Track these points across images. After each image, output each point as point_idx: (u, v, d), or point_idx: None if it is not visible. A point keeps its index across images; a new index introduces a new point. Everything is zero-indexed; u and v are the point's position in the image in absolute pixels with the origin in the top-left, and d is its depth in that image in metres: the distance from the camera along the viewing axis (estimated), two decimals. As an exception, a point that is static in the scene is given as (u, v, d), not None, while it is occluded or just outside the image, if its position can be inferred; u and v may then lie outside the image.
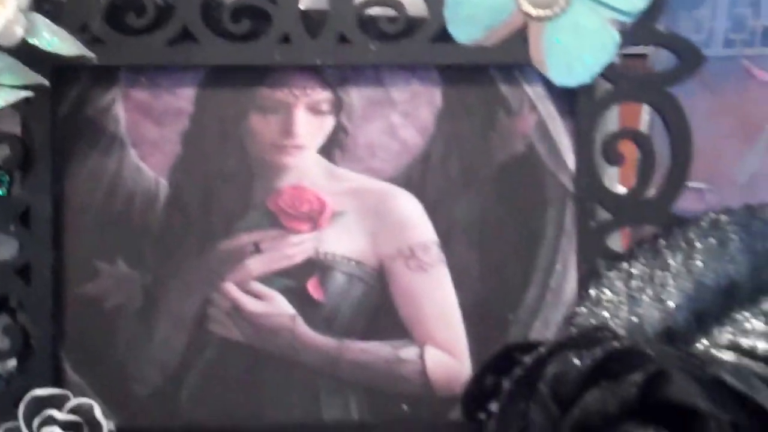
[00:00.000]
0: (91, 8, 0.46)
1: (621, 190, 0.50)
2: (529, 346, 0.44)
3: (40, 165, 0.47)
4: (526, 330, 0.48)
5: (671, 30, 0.50)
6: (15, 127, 0.48)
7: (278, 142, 0.48)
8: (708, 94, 0.59)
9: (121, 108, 0.48)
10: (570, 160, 0.48)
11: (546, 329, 0.48)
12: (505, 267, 0.48)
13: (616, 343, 0.43)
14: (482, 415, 0.45)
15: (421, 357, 0.48)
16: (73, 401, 0.45)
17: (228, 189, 0.48)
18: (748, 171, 0.59)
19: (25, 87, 0.43)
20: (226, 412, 0.48)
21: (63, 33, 0.44)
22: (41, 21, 0.44)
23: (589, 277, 0.47)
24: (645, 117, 0.56)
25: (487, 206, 0.48)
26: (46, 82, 0.44)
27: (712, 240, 0.46)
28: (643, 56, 0.55)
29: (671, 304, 0.46)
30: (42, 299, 0.47)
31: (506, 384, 0.44)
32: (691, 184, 0.50)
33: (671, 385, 0.41)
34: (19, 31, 0.43)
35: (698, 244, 0.46)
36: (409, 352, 0.48)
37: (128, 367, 0.48)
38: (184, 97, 0.48)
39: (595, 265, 0.47)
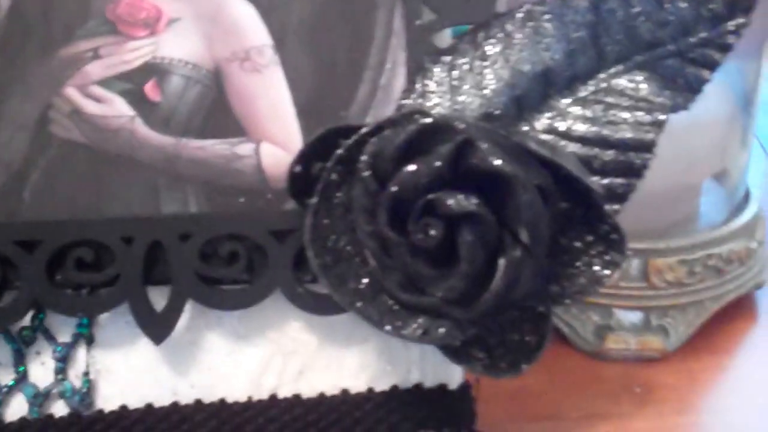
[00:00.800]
0: None
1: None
2: (352, 129, 0.47)
3: None
4: (359, 126, 0.50)
5: None
6: None
7: (114, -48, 0.50)
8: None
9: None
10: (398, -38, 0.50)
11: (377, 125, 0.50)
12: (337, 67, 0.50)
13: (427, 119, 0.45)
14: (311, 199, 0.47)
15: (257, 152, 0.50)
16: None
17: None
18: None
19: None
20: (69, 207, 0.49)
21: None
22: None
23: (415, 72, 0.49)
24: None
25: (319, 9, 0.50)
26: None
27: (528, 30, 0.48)
28: None
29: (489, 91, 0.48)
30: None
31: (328, 165, 0.46)
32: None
33: (478, 153, 0.43)
34: None
35: (515, 34, 0.48)
36: (245, 149, 0.50)
37: (-28, 168, 0.49)
38: None
39: (421, 60, 0.49)
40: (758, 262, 0.69)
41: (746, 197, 0.70)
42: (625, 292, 0.63)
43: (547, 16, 0.48)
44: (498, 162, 0.43)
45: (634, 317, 0.63)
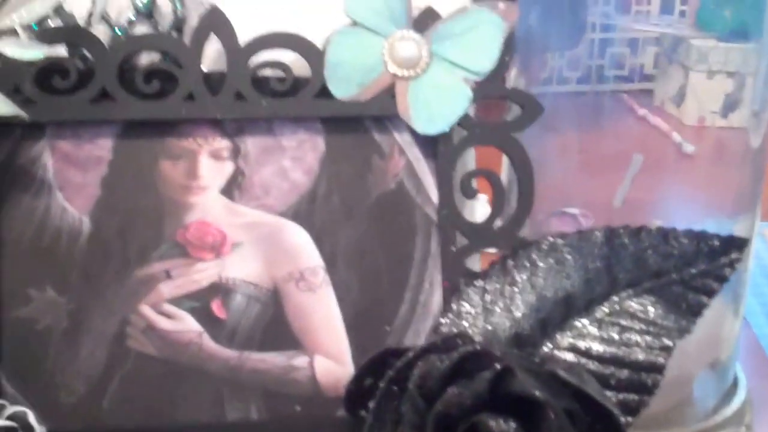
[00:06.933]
0: (23, 73, 0.53)
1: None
2: (400, 351, 0.53)
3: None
4: (401, 339, 0.57)
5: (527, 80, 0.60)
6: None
7: (185, 183, 0.56)
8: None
9: (49, 157, 0.55)
10: (434, 195, 0.57)
11: (417, 338, 0.57)
12: (381, 286, 0.57)
13: (470, 347, 0.52)
14: (363, 412, 0.53)
15: (311, 364, 0.56)
16: (10, 409, 0.52)
17: (142, 225, 0.56)
18: (620, 197, 0.67)
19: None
20: (143, 416, 0.55)
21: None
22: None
23: (451, 293, 0.56)
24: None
25: (365, 234, 0.57)
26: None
27: (551, 260, 0.55)
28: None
29: (518, 314, 0.55)
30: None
31: (381, 383, 0.53)
32: (568, 209, 0.60)
33: (515, 380, 0.50)
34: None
35: (539, 263, 0.55)
36: (300, 361, 0.56)
37: (57, 379, 0.55)
38: (103, 147, 0.55)
39: (456, 282, 0.56)
40: (746, 446, 0.73)
41: (735, 382, 0.75)
42: (629, 478, 0.68)
43: (567, 249, 0.55)
44: (534, 390, 0.49)
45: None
